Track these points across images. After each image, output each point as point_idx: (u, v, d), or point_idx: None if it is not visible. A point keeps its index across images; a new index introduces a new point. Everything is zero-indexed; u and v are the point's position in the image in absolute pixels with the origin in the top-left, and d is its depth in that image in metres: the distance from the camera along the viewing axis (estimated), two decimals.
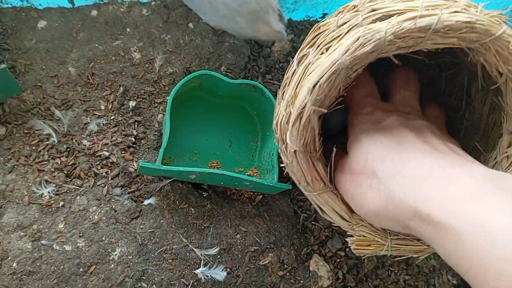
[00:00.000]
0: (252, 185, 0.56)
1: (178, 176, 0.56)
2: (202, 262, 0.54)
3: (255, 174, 0.62)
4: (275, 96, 0.69)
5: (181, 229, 0.56)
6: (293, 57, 0.72)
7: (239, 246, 0.57)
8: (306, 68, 0.39)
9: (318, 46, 0.40)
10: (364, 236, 0.42)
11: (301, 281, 0.59)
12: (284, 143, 0.41)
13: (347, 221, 0.42)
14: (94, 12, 0.64)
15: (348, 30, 0.37)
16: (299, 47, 0.73)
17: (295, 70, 0.42)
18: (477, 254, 0.27)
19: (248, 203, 0.61)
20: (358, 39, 0.34)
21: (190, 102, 0.62)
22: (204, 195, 0.60)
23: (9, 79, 0.54)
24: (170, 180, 0.57)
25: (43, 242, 0.51)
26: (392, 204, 0.35)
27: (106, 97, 0.61)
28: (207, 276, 0.54)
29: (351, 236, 0.43)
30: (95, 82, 0.61)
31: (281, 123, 0.42)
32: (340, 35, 0.37)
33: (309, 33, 0.44)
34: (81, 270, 0.51)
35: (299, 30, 0.76)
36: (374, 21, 0.36)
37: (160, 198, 0.57)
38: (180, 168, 0.52)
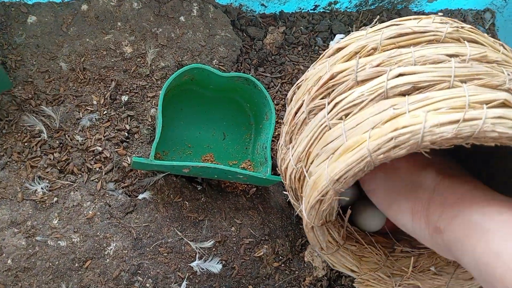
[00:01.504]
0: (245, 178, 0.56)
1: (171, 170, 0.56)
2: (197, 255, 0.55)
3: (249, 167, 0.62)
4: (267, 88, 0.69)
5: (176, 222, 0.56)
6: (285, 50, 0.73)
7: (234, 239, 0.58)
8: (322, 131, 0.36)
9: (335, 104, 0.36)
10: (370, 284, 0.43)
11: (296, 272, 0.59)
12: (296, 200, 0.41)
13: (355, 271, 0.44)
14: (85, 7, 0.63)
15: (372, 99, 0.33)
16: (291, 40, 0.73)
17: (304, 119, 0.39)
18: None
19: (242, 196, 0.61)
20: (391, 139, 0.30)
21: (182, 96, 0.62)
22: (198, 189, 0.60)
23: (1, 74, 0.53)
24: (164, 174, 0.57)
25: (38, 238, 0.51)
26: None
27: (98, 92, 0.60)
28: (203, 269, 0.54)
29: (359, 282, 0.44)
30: (87, 77, 0.61)
31: (292, 176, 0.41)
32: (362, 102, 0.34)
33: (316, 67, 0.41)
34: (76, 265, 0.51)
35: (291, 22, 0.76)
36: (402, 94, 0.32)
37: (154, 192, 0.57)
38: (173, 163, 0.52)
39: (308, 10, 0.78)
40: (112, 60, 0.62)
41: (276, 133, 0.66)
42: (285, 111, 0.68)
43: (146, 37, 0.64)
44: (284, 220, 0.61)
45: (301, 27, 0.76)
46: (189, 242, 0.55)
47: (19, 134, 0.56)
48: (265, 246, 0.58)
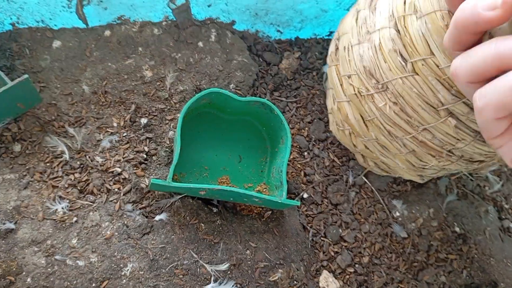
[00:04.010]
0: (261, 201, 0.57)
1: (188, 192, 0.57)
2: (212, 278, 0.55)
3: (264, 190, 0.63)
4: (283, 112, 0.70)
5: (192, 244, 0.56)
6: (300, 75, 0.74)
7: (249, 262, 0.58)
8: None
9: None
10: None
11: None
12: None
13: None
14: (107, 32, 0.66)
15: None
16: (306, 65, 0.75)
17: None
18: None
19: (258, 219, 0.62)
20: None
21: (200, 119, 0.64)
22: (214, 211, 0.60)
23: (30, 90, 0.55)
24: (181, 196, 0.58)
25: (57, 257, 0.52)
26: None
27: (118, 114, 0.62)
28: None
29: None
30: (108, 100, 0.62)
31: None
32: None
33: None
34: (93, 285, 0.52)
35: (306, 48, 0.77)
36: None
37: (171, 213, 0.57)
38: (190, 185, 0.52)
39: (323, 36, 0.79)
40: (133, 84, 0.64)
41: (292, 157, 0.67)
42: (300, 135, 0.69)
43: (166, 62, 0.66)
44: (299, 244, 0.61)
45: (316, 53, 0.77)
46: (204, 264, 0.55)
47: (41, 154, 0.58)
48: (280, 270, 0.58)
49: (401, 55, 0.48)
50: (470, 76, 0.27)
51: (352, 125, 0.60)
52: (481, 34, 0.28)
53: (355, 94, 0.56)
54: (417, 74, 0.47)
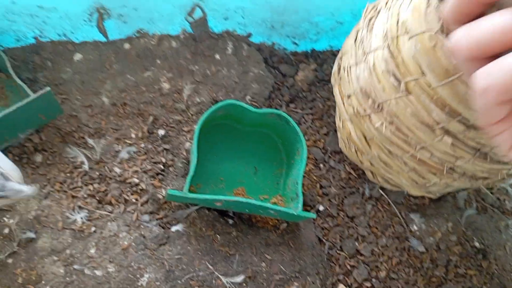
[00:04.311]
0: (276, 213, 0.57)
1: (204, 203, 0.57)
2: None
3: (279, 202, 0.63)
4: (298, 124, 0.71)
5: (207, 256, 0.57)
6: (316, 87, 0.74)
7: (264, 275, 0.58)
8: None
9: None
10: None
11: None
12: None
13: None
14: (127, 45, 0.67)
15: None
16: (322, 77, 0.75)
17: None
18: None
19: (273, 231, 0.62)
20: None
21: (216, 131, 0.64)
22: (230, 222, 0.61)
23: (52, 102, 0.57)
24: (197, 207, 0.58)
25: (75, 266, 0.53)
26: None
27: (136, 125, 0.63)
28: None
29: None
30: (127, 111, 0.64)
31: None
32: None
33: None
34: None
35: (322, 60, 0.78)
36: None
37: (187, 224, 0.58)
38: (206, 196, 0.53)
39: (338, 48, 0.80)
40: (151, 96, 0.65)
41: (307, 169, 0.67)
42: (316, 147, 0.69)
43: (183, 74, 0.67)
44: (315, 257, 0.61)
45: (332, 64, 0.77)
46: (220, 276, 0.55)
47: (62, 165, 0.59)
48: (295, 283, 0.58)
49: (394, 76, 0.48)
50: (475, 51, 0.23)
51: (355, 142, 0.60)
52: (488, 6, 0.24)
53: (355, 114, 0.57)
54: (411, 94, 0.47)
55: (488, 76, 0.22)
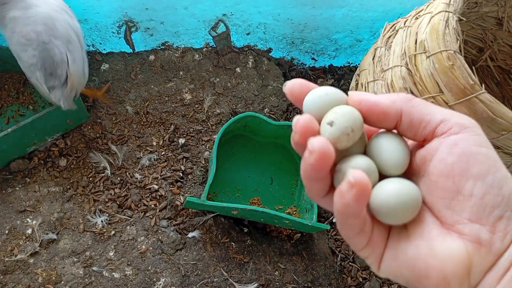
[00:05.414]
0: (291, 224, 0.58)
1: (221, 211, 0.58)
2: None
3: (294, 213, 0.64)
4: None
5: (222, 262, 0.58)
6: None
7: (277, 283, 0.58)
8: None
9: None
10: None
11: None
12: None
13: None
14: (152, 57, 0.70)
15: None
16: None
17: None
18: None
19: (287, 241, 0.62)
20: None
21: (235, 141, 0.66)
22: (245, 231, 0.62)
23: (80, 108, 0.59)
24: (214, 215, 0.60)
25: (94, 268, 0.54)
26: None
27: (158, 134, 0.65)
28: None
29: None
30: (149, 120, 0.66)
31: None
32: None
33: None
34: None
35: (339, 75, 0.79)
36: None
37: (203, 231, 0.59)
38: (223, 204, 0.54)
39: (356, 64, 0.81)
40: (173, 106, 0.67)
41: None
42: None
43: (205, 86, 0.70)
44: (327, 268, 0.62)
45: (349, 80, 0.79)
46: (234, 283, 0.56)
47: (85, 169, 0.61)
48: None
49: (412, 93, 0.49)
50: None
51: None
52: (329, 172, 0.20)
53: None
54: None
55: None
